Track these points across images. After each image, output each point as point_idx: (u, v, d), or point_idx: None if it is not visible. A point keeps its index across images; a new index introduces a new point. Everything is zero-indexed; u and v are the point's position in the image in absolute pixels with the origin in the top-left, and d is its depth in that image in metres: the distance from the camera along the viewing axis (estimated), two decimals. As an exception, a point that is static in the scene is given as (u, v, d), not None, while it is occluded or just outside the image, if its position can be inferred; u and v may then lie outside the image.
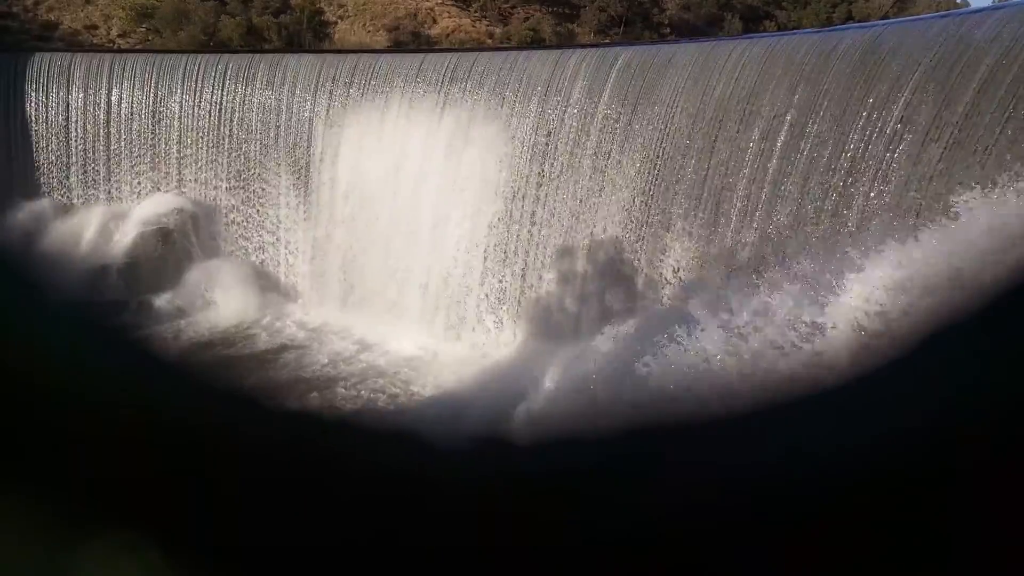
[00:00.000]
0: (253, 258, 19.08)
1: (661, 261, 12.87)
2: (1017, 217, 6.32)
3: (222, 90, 18.68)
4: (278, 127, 18.26)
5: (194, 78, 18.92)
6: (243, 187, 18.88)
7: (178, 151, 19.27)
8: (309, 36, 25.94)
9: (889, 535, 1.34)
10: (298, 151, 18.11)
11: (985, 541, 1.29)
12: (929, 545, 1.34)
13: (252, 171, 18.69)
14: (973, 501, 1.33)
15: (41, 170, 19.88)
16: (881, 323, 5.46)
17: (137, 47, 24.77)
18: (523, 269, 15.07)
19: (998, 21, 8.87)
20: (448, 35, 27.36)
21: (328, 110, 17.66)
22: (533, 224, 14.89)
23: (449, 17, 27.99)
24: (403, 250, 16.74)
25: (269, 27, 25.68)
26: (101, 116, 19.53)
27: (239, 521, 1.64)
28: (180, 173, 19.38)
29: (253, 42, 25.27)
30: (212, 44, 24.60)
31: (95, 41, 24.89)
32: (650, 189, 13.10)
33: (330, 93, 17.66)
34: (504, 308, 15.38)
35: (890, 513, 1.35)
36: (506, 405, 10.34)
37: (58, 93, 19.53)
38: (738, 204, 11.66)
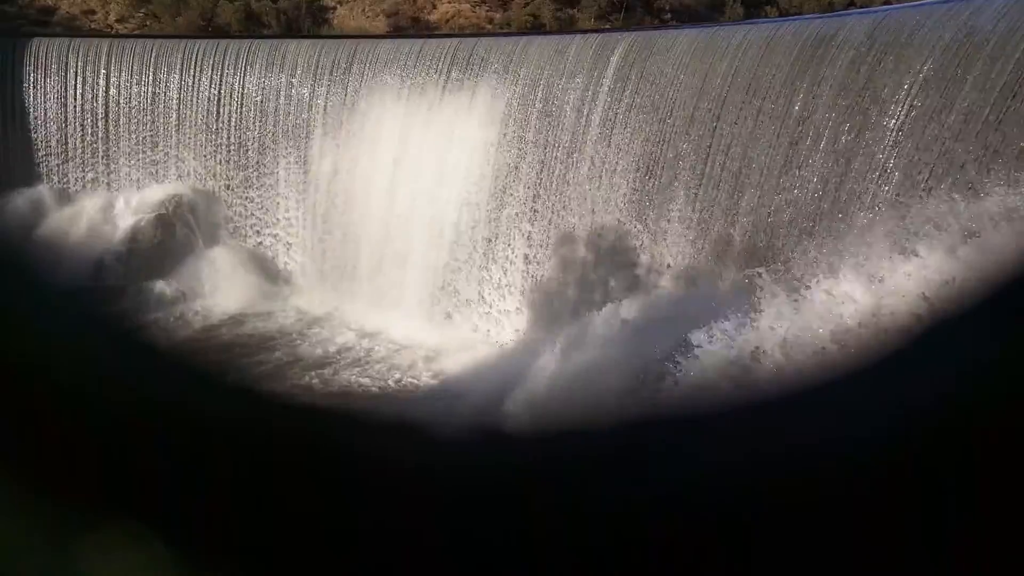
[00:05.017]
0: (253, 245, 19.05)
1: (663, 247, 12.86)
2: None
3: (221, 76, 18.58)
4: (277, 113, 18.18)
5: (193, 64, 18.82)
6: (243, 173, 18.82)
7: (177, 137, 19.19)
8: (308, 21, 25.78)
9: (887, 532, 1.33)
10: (298, 137, 18.03)
11: (985, 539, 1.29)
12: (927, 542, 1.34)
13: (251, 157, 18.63)
14: (974, 497, 1.32)
15: (39, 156, 19.78)
16: (881, 316, 5.46)
17: (135, 32, 24.62)
18: (524, 254, 15.06)
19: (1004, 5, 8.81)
20: (447, 21, 27.18)
21: (327, 96, 17.58)
22: (534, 209, 14.86)
23: (448, 3, 27.79)
24: (403, 237, 16.72)
25: (268, 12, 25.50)
26: (99, 102, 19.43)
27: (242, 511, 1.64)
28: (179, 159, 19.31)
29: (252, 27, 25.10)
30: (211, 29, 24.44)
31: (93, 26, 24.72)
32: (651, 175, 13.07)
33: (329, 79, 17.57)
34: (504, 294, 15.37)
35: (889, 510, 1.35)
36: (505, 392, 10.36)
37: (56, 78, 19.41)
38: (739, 192, 11.63)
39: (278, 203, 18.67)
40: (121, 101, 19.33)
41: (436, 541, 1.49)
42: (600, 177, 13.82)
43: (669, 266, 12.64)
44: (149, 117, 19.25)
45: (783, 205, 10.85)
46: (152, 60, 19.07)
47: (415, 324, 16.02)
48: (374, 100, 16.98)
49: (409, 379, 14.41)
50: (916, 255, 5.92)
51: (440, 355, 15.02)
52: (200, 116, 18.88)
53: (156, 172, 19.47)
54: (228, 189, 19.05)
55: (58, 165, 19.84)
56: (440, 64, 16.22)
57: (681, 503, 1.51)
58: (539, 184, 14.73)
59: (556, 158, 14.47)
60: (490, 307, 15.54)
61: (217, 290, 17.83)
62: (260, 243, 19.03)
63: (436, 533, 1.50)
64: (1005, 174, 7.03)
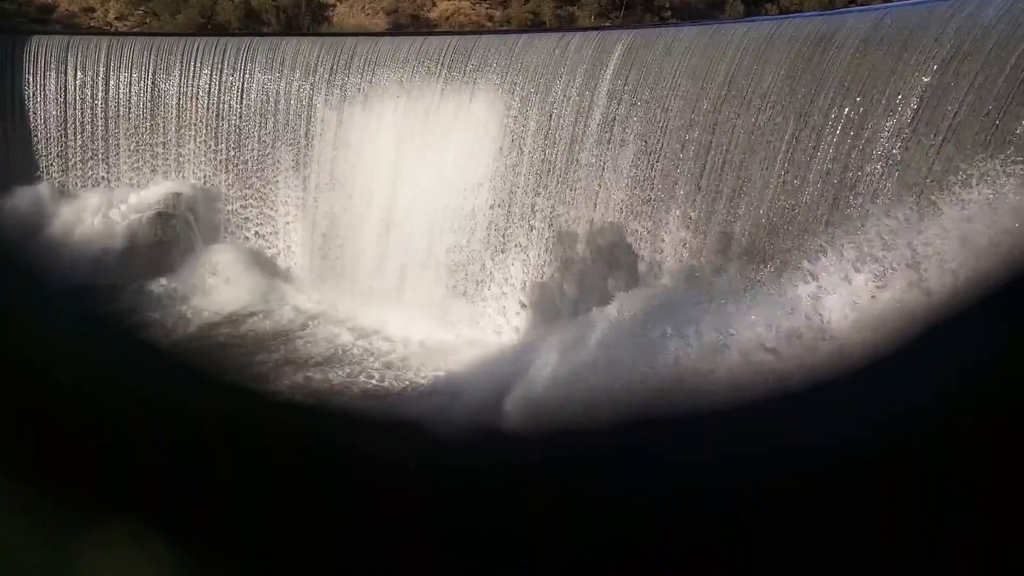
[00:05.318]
0: (252, 243, 19.03)
1: (662, 246, 12.85)
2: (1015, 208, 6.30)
3: (220, 74, 18.56)
4: (277, 111, 18.16)
5: (192, 61, 18.80)
6: (242, 171, 18.80)
7: (177, 135, 19.18)
8: (308, 19, 25.75)
9: (887, 532, 1.33)
10: (297, 135, 18.02)
11: (985, 539, 1.29)
12: (927, 542, 1.33)
13: (251, 155, 18.61)
14: (974, 497, 1.32)
15: (39, 154, 19.78)
16: (882, 313, 5.46)
17: (135, 30, 24.59)
18: (524, 253, 15.05)
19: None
20: (447, 18, 27.15)
21: (327, 94, 17.56)
22: (534, 207, 14.85)
23: (448, 0, 27.75)
24: (402, 235, 16.71)
25: (267, 10, 25.48)
26: (99, 100, 19.41)
27: (241, 510, 1.64)
28: (179, 157, 19.30)
29: (251, 25, 25.08)
30: (210, 27, 24.42)
31: (92, 24, 24.70)
32: (651, 173, 13.06)
33: (329, 77, 17.55)
34: (503, 293, 15.37)
35: (889, 510, 1.34)
36: (504, 391, 10.36)
37: (56, 76, 19.40)
38: (739, 190, 11.62)
39: (278, 201, 18.65)
40: (121, 99, 19.31)
41: (436, 541, 1.49)
42: (600, 175, 13.81)
43: (668, 264, 12.63)
44: (148, 115, 19.23)
45: (783, 203, 10.84)
46: (152, 58, 19.06)
47: (414, 323, 16.00)
48: (374, 98, 16.97)
49: (407, 378, 14.40)
50: (916, 254, 5.93)
51: (439, 353, 15.01)
52: (200, 114, 18.86)
53: (155, 170, 19.45)
54: (227, 187, 19.03)
55: (58, 163, 19.83)
56: (440, 62, 16.20)
57: (680, 503, 1.50)
58: (539, 182, 14.72)
59: (556, 156, 14.46)
60: (489, 305, 15.54)
61: (216, 288, 17.82)
62: (259, 241, 19.03)
63: (436, 533, 1.50)
64: (1005, 173, 7.02)
